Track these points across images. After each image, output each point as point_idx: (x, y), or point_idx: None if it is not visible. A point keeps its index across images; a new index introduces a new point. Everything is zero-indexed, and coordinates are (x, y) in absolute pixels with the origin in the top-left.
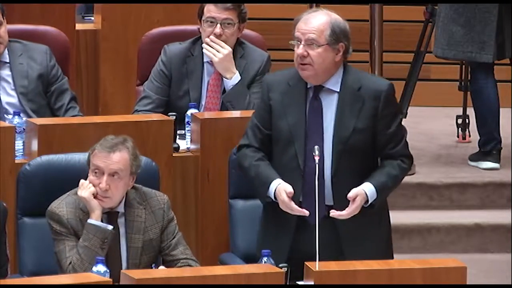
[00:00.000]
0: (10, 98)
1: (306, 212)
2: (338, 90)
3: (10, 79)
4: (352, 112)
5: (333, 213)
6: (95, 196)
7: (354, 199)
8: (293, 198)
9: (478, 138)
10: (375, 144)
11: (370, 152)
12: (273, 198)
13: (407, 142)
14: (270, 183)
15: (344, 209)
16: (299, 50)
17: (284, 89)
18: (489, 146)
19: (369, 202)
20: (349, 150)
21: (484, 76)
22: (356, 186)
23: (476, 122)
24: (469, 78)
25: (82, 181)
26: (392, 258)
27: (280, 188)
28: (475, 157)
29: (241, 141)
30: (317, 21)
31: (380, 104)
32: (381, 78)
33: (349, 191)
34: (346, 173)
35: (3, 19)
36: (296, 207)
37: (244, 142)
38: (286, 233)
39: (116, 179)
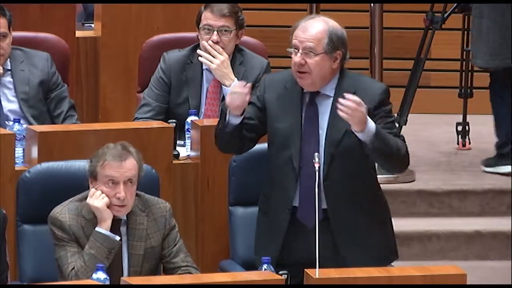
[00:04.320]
0: (11, 104)
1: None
2: (333, 95)
3: (11, 86)
4: None
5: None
6: (108, 206)
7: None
8: (288, 202)
9: (495, 140)
10: None
11: (363, 156)
12: (226, 107)
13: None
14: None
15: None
16: (297, 58)
17: (281, 91)
18: (507, 148)
19: (365, 131)
20: (341, 153)
21: (504, 83)
22: (348, 190)
23: (494, 124)
24: (490, 81)
25: (93, 190)
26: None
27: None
28: (492, 162)
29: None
30: (314, 29)
31: (374, 105)
32: (377, 81)
33: (341, 194)
34: (338, 176)
35: (9, 30)
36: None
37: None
38: (276, 238)
39: (130, 186)
